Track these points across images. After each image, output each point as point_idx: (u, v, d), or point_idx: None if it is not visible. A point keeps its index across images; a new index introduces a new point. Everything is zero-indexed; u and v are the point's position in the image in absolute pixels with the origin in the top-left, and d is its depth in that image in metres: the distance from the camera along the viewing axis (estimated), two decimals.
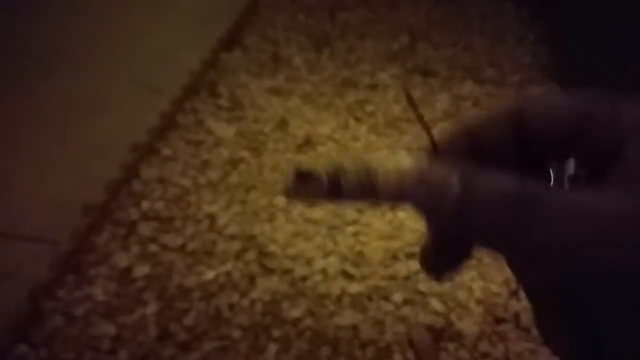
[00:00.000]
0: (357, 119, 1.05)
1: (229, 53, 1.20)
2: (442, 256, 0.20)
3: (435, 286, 0.78)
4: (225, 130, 0.98)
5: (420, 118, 0.21)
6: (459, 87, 1.18)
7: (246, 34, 1.28)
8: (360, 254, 0.81)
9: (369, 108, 1.07)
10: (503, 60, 1.38)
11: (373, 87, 1.15)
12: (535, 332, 0.76)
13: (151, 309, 0.68)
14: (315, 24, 1.36)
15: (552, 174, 0.20)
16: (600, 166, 0.19)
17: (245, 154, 0.94)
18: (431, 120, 1.10)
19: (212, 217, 0.82)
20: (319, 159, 0.21)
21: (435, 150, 0.20)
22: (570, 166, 0.20)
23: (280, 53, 1.24)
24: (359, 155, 0.19)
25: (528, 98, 0.21)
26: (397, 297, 0.77)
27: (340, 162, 0.19)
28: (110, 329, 0.66)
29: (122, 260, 0.73)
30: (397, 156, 0.19)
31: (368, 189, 0.18)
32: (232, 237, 0.79)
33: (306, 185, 0.19)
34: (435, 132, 0.21)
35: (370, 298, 0.76)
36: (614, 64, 1.10)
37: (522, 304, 0.78)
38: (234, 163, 0.92)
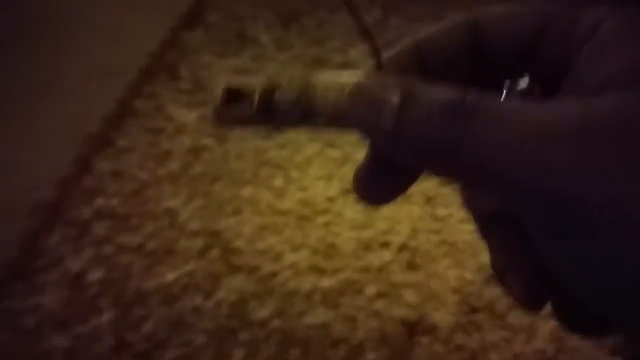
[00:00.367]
0: None
1: (191, 32, 1.13)
2: (380, 178, 0.19)
3: (409, 277, 0.75)
4: (187, 116, 0.93)
5: (364, 30, 0.18)
6: None
7: (209, 11, 1.21)
8: (332, 245, 0.77)
9: None
10: None
11: (344, 65, 1.10)
12: (510, 319, 0.74)
13: (107, 317, 0.64)
14: None
15: (504, 91, 0.19)
16: (556, 81, 0.18)
17: (208, 141, 0.89)
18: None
19: (172, 213, 0.77)
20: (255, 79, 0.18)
21: (380, 65, 0.18)
22: (524, 82, 0.19)
23: (245, 31, 1.17)
24: (298, 72, 0.17)
25: (482, 10, 0.20)
26: (371, 290, 0.73)
27: (276, 78, 0.17)
28: (62, 341, 0.61)
29: (74, 264, 0.68)
30: (340, 74, 0.17)
31: (305, 107, 0.17)
32: (195, 234, 0.75)
33: (237, 104, 0.17)
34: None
35: (342, 293, 0.73)
36: None
37: (496, 291, 0.76)
38: (196, 152, 0.87)
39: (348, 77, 0.17)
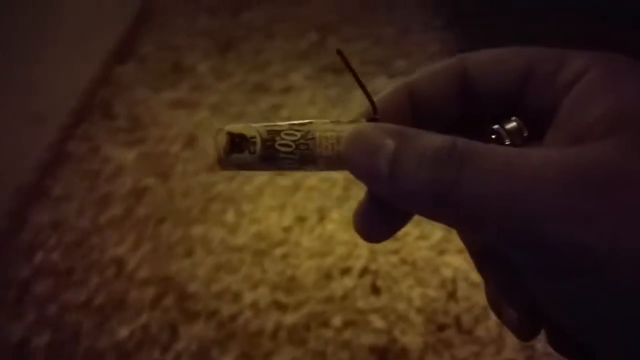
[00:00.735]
0: None
1: (123, 66, 1.09)
2: (377, 218, 0.19)
3: (373, 301, 0.73)
4: (125, 155, 0.88)
5: (357, 78, 0.19)
6: (372, 82, 1.13)
7: (141, 43, 1.17)
8: (292, 278, 0.74)
9: (284, 113, 1.01)
10: (412, 50, 1.35)
11: (286, 90, 1.08)
12: (477, 332, 0.74)
13: None
14: (218, 26, 1.27)
15: (492, 134, 0.19)
16: (543, 124, 0.19)
17: (151, 181, 0.84)
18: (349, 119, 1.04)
19: (119, 261, 0.72)
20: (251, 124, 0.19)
21: (375, 111, 0.19)
22: (512, 125, 0.19)
23: (181, 61, 1.14)
24: (295, 120, 0.19)
25: (470, 54, 0.20)
26: (337, 320, 0.71)
27: (275, 124, 0.18)
28: None
29: (15, 332, 0.62)
30: (337, 122, 0.18)
31: (304, 153, 0.18)
32: (145, 282, 0.70)
33: (240, 151, 0.18)
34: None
35: (308, 327, 0.70)
36: (523, 41, 1.09)
37: (461, 305, 0.75)
38: (139, 193, 0.82)
39: (344, 125, 0.18)
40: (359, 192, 0.86)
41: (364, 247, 0.77)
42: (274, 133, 0.18)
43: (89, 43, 1.12)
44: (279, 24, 1.33)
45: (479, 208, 0.15)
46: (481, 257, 0.22)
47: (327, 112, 1.01)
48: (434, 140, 0.16)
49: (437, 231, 0.79)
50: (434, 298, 0.75)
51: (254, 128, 0.18)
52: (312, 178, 0.86)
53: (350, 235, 0.79)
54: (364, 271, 0.75)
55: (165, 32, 1.21)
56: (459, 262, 0.76)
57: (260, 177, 0.86)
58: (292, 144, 0.18)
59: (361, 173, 0.18)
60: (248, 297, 0.71)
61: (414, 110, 0.20)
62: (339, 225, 0.80)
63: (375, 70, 1.19)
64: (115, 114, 0.96)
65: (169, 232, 0.77)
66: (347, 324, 0.71)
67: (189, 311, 0.68)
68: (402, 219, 0.20)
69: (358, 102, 1.07)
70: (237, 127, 0.19)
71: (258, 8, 1.37)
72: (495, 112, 0.20)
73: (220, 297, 0.71)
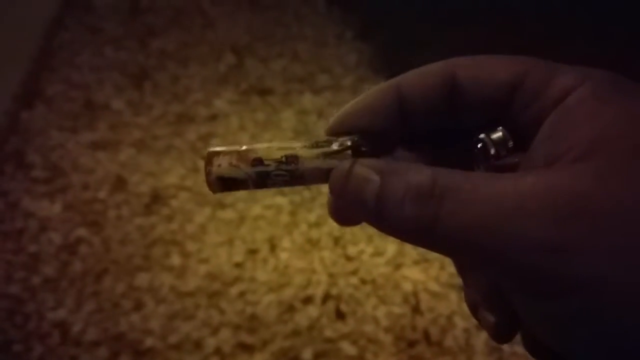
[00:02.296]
0: None
1: (30, 110, 1.00)
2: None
3: (341, 328, 0.71)
4: (49, 208, 0.80)
5: None
6: (299, 101, 1.12)
7: (46, 83, 1.08)
8: (254, 317, 0.70)
9: (216, 142, 0.97)
10: (331, 64, 1.35)
11: (213, 117, 1.04)
12: (446, 343, 0.74)
13: None
14: (127, 57, 1.20)
15: (479, 142, 0.20)
16: (528, 136, 0.19)
17: (82, 232, 0.77)
18: (283, 139, 1.02)
19: (62, 326, 0.65)
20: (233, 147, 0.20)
21: (365, 144, 0.20)
22: (498, 135, 0.19)
23: (93, 98, 1.07)
24: (280, 145, 0.20)
25: (460, 58, 0.20)
26: (307, 353, 0.68)
27: (262, 152, 0.19)
28: None
29: None
30: (323, 156, 0.19)
31: (295, 184, 0.19)
32: (95, 344, 0.64)
33: (231, 189, 0.19)
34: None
35: None
36: (435, 50, 1.13)
37: (426, 318, 0.75)
38: (71, 247, 0.75)
39: (331, 161, 0.19)
40: (307, 215, 0.84)
41: (321, 273, 0.75)
42: (264, 175, 0.19)
43: None
44: (192, 49, 1.28)
45: (460, 241, 0.16)
46: (465, 270, 0.23)
47: (259, 137, 0.98)
48: (416, 176, 0.17)
49: (390, 245, 0.78)
50: (400, 314, 0.75)
51: (242, 171, 0.19)
52: (256, 207, 0.83)
53: (306, 262, 0.77)
54: (326, 297, 0.73)
55: (71, 69, 1.13)
56: (416, 274, 0.76)
57: (201, 214, 0.82)
58: (282, 181, 0.19)
59: (350, 207, 0.19)
60: (210, 343, 0.67)
61: (402, 110, 0.20)
62: (292, 253, 0.78)
63: (300, 87, 1.18)
64: (30, 163, 0.87)
65: (111, 285, 0.71)
66: (318, 356, 0.68)
67: None
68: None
69: (288, 124, 1.05)
70: (225, 170, 0.19)
71: (165, 34, 1.31)
72: (482, 119, 0.20)
73: (180, 347, 0.66)
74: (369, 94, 0.21)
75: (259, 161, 0.19)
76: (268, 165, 0.19)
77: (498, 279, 0.18)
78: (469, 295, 0.22)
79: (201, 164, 0.93)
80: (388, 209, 0.17)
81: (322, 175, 0.19)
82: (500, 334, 0.21)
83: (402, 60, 1.27)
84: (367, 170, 0.18)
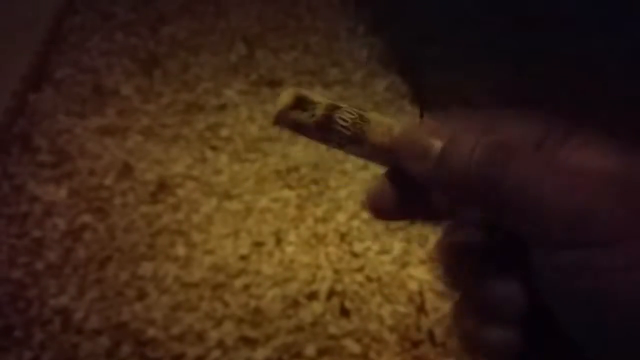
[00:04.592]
0: (214, 148, 0.92)
1: (39, 93, 0.99)
2: (394, 199, 0.21)
3: (345, 325, 0.70)
4: (54, 193, 0.80)
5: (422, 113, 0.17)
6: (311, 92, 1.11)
7: (56, 67, 1.07)
8: (257, 310, 0.70)
9: (224, 132, 0.96)
10: (343, 58, 1.34)
11: (222, 107, 1.03)
12: (450, 343, 0.73)
13: None
14: (138, 43, 1.19)
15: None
16: None
17: (87, 218, 0.77)
18: (291, 136, 1.01)
19: (64, 313, 0.64)
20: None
21: (422, 115, 0.21)
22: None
23: (103, 83, 1.06)
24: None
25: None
26: (310, 350, 0.67)
27: (336, 102, 0.20)
28: None
29: None
30: (390, 117, 0.20)
31: (356, 134, 0.19)
32: (97, 332, 0.63)
33: (301, 110, 0.19)
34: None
35: None
36: (445, 44, 1.11)
37: (431, 318, 0.74)
38: (75, 234, 0.74)
39: (396, 121, 0.20)
40: (314, 210, 0.83)
41: (327, 269, 0.74)
42: (335, 106, 0.19)
43: None
44: (203, 37, 1.27)
45: (528, 201, 0.17)
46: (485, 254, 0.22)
47: (268, 129, 0.97)
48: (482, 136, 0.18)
49: (396, 244, 0.77)
50: (405, 314, 0.74)
51: (318, 95, 0.20)
52: (263, 199, 0.82)
53: (311, 257, 0.76)
54: (331, 293, 0.72)
55: (81, 53, 1.12)
56: (422, 274, 0.75)
57: (207, 204, 0.81)
58: (349, 120, 0.19)
59: (413, 149, 0.19)
60: (213, 335, 0.66)
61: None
62: (298, 247, 0.77)
63: (310, 79, 1.16)
64: (37, 146, 0.87)
65: (115, 274, 0.70)
66: (321, 352, 0.67)
67: (150, 359, 0.62)
68: (417, 204, 0.21)
69: None
70: (303, 91, 0.20)
71: (177, 21, 1.30)
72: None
73: (183, 339, 0.65)
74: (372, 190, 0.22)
75: (334, 107, 0.19)
76: (342, 104, 0.20)
77: (538, 235, 0.18)
78: (461, 311, 0.21)
79: (209, 153, 0.92)
80: (452, 163, 0.18)
81: (386, 132, 0.19)
82: (507, 352, 0.19)
83: (412, 56, 1.25)
84: (431, 126, 0.19)
